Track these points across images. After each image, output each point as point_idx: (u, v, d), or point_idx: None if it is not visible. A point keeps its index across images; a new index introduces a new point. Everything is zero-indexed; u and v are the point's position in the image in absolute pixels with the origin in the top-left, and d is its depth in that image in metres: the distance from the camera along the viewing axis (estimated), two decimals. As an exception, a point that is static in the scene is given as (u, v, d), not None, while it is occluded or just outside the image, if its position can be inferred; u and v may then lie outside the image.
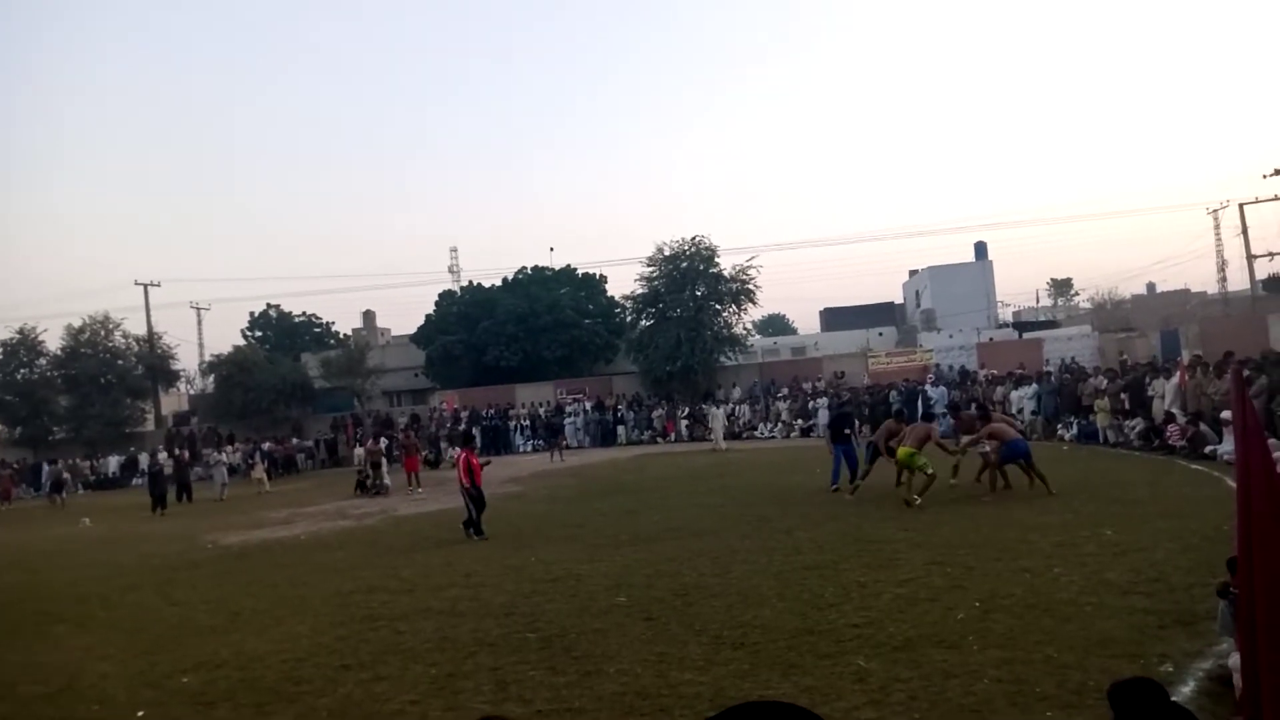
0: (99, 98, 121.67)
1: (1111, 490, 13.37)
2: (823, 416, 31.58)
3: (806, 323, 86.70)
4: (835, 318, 54.72)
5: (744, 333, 39.36)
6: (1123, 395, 21.42)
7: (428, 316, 47.15)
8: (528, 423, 37.56)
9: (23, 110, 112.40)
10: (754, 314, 41.58)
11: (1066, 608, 7.18)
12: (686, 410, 35.29)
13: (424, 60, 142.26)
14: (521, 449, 36.47)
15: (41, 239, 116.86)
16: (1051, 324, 50.67)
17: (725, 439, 29.54)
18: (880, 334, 47.11)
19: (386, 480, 23.63)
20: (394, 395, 48.20)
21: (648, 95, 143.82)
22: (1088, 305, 71.30)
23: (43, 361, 44.09)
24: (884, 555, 9.75)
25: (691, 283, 37.24)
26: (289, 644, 7.95)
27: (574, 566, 10.51)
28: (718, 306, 37.63)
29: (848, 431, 16.32)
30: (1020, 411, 24.86)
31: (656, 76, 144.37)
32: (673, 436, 34.62)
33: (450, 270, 66.50)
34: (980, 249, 53.91)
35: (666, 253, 37.64)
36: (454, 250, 70.16)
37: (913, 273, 56.33)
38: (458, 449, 18.07)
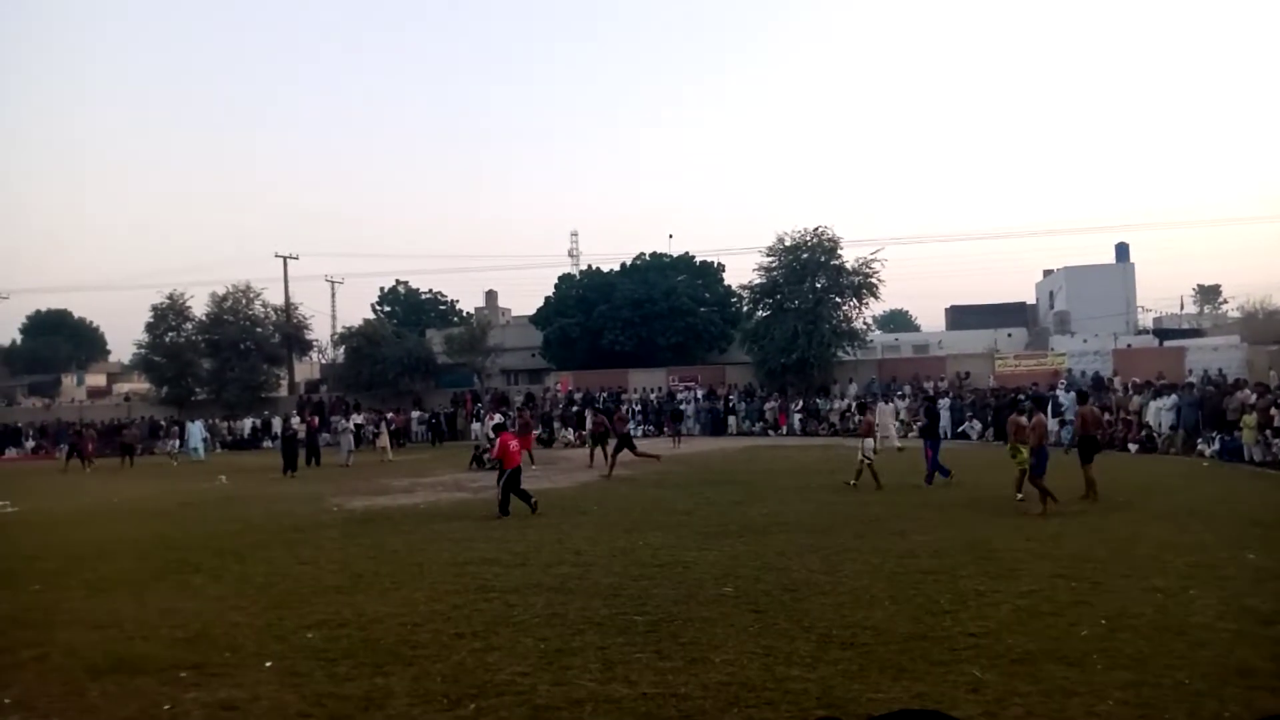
0: (250, 82, 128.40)
1: (1255, 511, 12.56)
2: (944, 418, 30.72)
3: (931, 320, 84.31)
4: (961, 316, 52.93)
5: (864, 327, 38.56)
6: (1273, 411, 20.03)
7: (547, 299, 47.96)
8: (639, 408, 37.82)
9: (184, 92, 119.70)
10: (875, 309, 40.66)
11: (1202, 632, 6.79)
12: (800, 403, 34.86)
13: (554, 46, 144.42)
14: (632, 433, 36.74)
15: (195, 210, 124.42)
16: (1196, 333, 47.71)
17: (837, 436, 29.00)
18: (1009, 335, 45.30)
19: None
20: (512, 374, 49.27)
21: (772, 82, 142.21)
22: (1236, 314, 66.71)
23: (189, 326, 46.86)
24: (1005, 564, 9.41)
25: (811, 274, 36.64)
26: (407, 609, 8.23)
27: (681, 553, 10.52)
28: (838, 299, 36.94)
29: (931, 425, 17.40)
30: (1159, 425, 23.62)
31: (780, 62, 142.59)
32: (784, 429, 34.27)
33: (570, 254, 67.47)
34: (1122, 250, 51.23)
35: (787, 243, 37.11)
36: (574, 234, 71.07)
37: (1047, 272, 53.90)
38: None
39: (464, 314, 60.77)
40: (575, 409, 36.09)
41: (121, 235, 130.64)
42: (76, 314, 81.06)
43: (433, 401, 42.65)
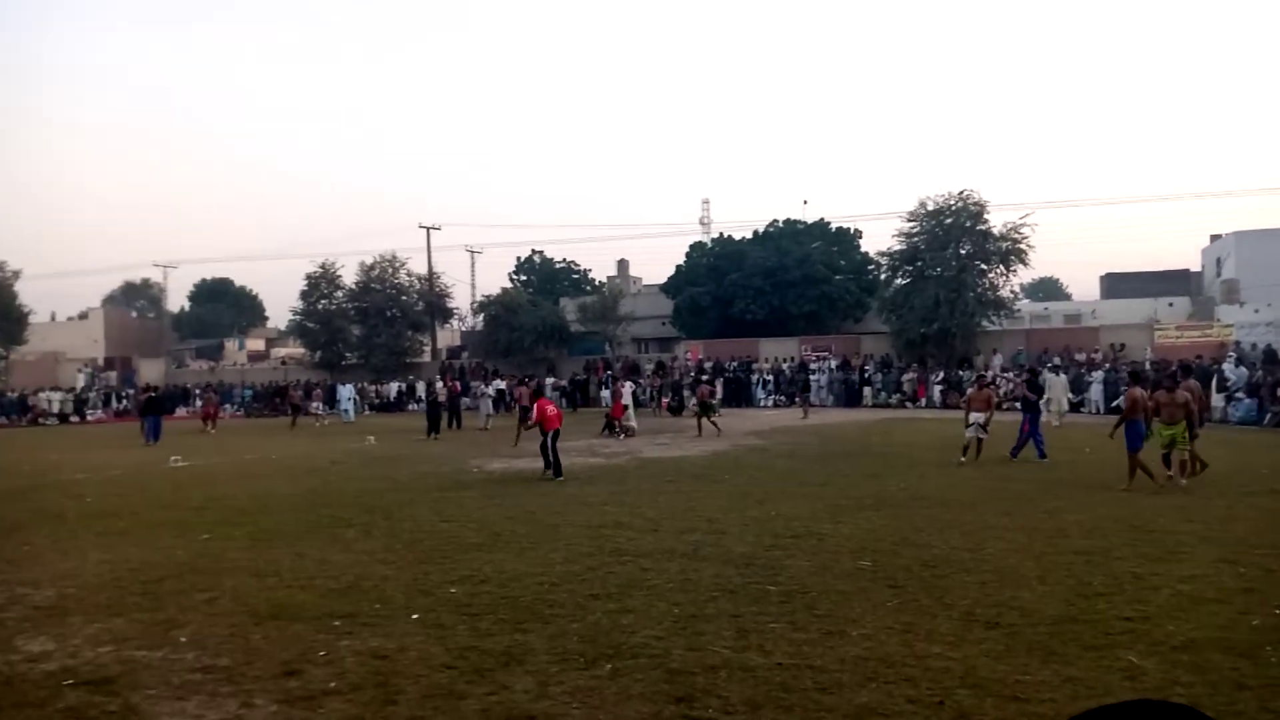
0: (400, 60, 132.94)
1: None
2: (1095, 391, 29.13)
3: (1083, 288, 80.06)
4: (1118, 284, 49.87)
5: (1011, 296, 36.93)
6: None
7: (678, 267, 47.98)
8: (770, 377, 37.46)
9: (332, 70, 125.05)
10: (1023, 276, 38.84)
11: (1396, 628, 6.20)
12: (941, 375, 33.73)
13: (686, 13, 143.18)
14: (762, 403, 36.49)
15: (344, 184, 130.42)
16: (1386, 302, 43.48)
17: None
18: (1170, 304, 42.41)
19: (633, 423, 24.48)
20: (642, 342, 49.63)
21: (911, 38, 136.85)
22: None
23: (340, 294, 49.23)
24: (1164, 547, 8.85)
25: (955, 240, 35.31)
26: (544, 568, 8.43)
27: (815, 525, 10.35)
28: (983, 266, 35.51)
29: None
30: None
31: (918, 18, 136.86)
32: (923, 402, 33.28)
33: (701, 222, 67.23)
34: (1301, 212, 47.07)
35: (930, 207, 35.84)
36: (706, 202, 70.76)
37: (1215, 237, 50.12)
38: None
39: (596, 283, 61.52)
40: (705, 378, 36.12)
41: (277, 207, 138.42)
42: (238, 282, 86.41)
43: (566, 369, 43.50)
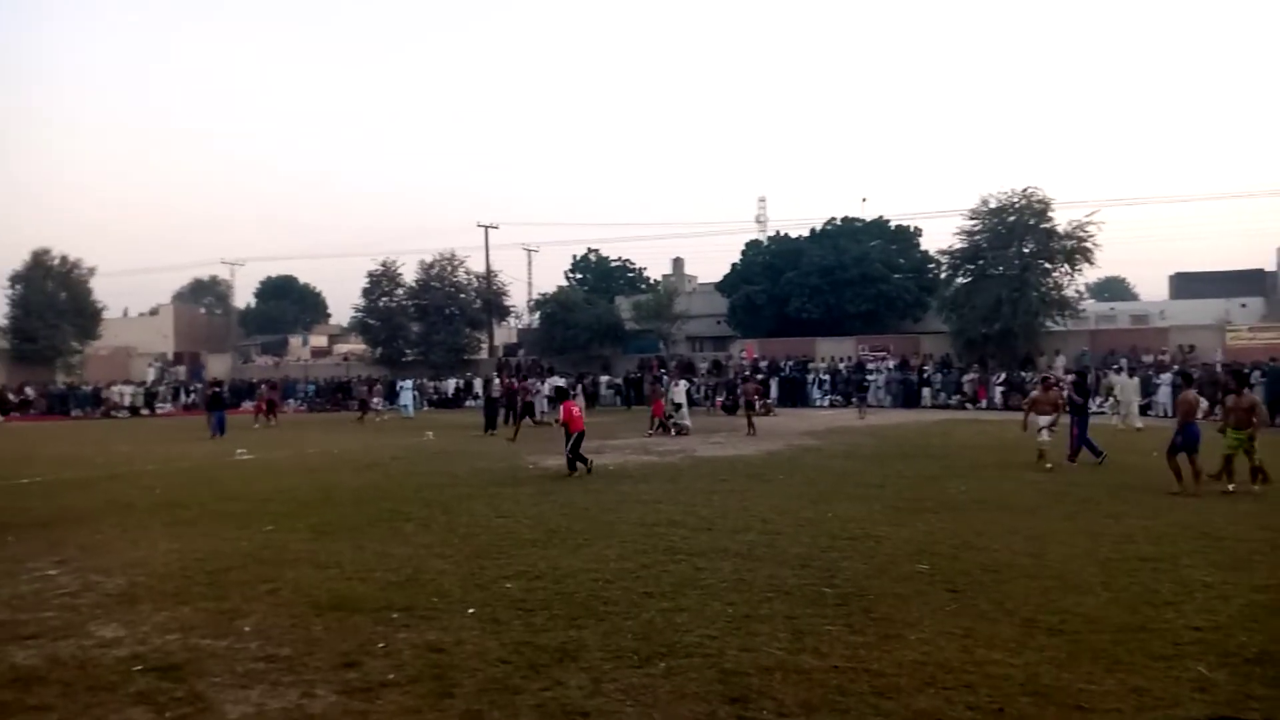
0: (459, 63, 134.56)
1: None
2: (1164, 395, 28.33)
3: (1151, 288, 77.84)
4: (1188, 284, 48.41)
5: (1075, 295, 36.09)
6: None
7: (733, 265, 47.83)
8: (826, 377, 37.11)
9: (391, 75, 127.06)
10: (1089, 275, 37.99)
11: None
12: (1002, 376, 33.09)
13: (741, 10, 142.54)
14: (818, 403, 36.17)
15: (405, 184, 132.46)
16: None
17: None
18: (1243, 305, 41.02)
19: (687, 421, 24.44)
20: (697, 341, 49.55)
21: (972, 30, 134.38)
22: None
23: (400, 292, 50.05)
24: (1236, 555, 8.56)
25: (1019, 238, 34.66)
26: (598, 565, 8.45)
27: (872, 527, 10.22)
28: (1047, 265, 34.79)
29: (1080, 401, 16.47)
30: None
31: (981, 12, 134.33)
32: (984, 403, 32.68)
33: (757, 220, 66.94)
34: (1385, 210, 45.16)
35: (992, 205, 35.23)
36: (762, 200, 70.62)
37: (1290, 236, 48.43)
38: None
39: (652, 281, 61.54)
40: (760, 376, 35.92)
41: (340, 207, 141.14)
42: (301, 280, 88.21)
43: (620, 367, 43.62)
